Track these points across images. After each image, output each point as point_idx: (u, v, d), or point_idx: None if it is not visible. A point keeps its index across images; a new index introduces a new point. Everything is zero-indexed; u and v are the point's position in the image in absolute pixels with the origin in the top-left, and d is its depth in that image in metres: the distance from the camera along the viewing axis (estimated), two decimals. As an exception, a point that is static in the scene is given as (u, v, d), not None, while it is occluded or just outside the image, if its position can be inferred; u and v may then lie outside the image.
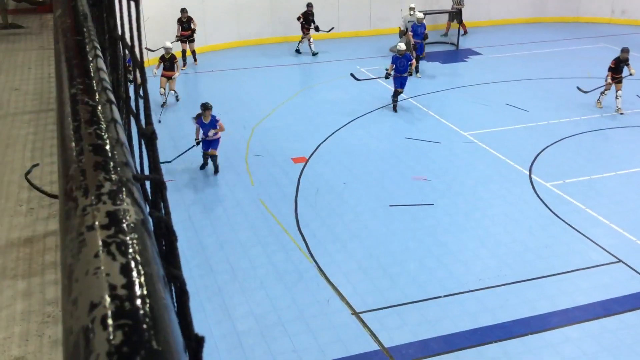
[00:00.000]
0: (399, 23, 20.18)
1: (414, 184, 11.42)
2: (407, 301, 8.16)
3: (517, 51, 20.81)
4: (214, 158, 11.57)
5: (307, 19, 19.58)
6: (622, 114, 14.69)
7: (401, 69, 14.90)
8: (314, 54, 19.86)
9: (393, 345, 7.36)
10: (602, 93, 15.01)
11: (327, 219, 10.20)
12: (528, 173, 11.84)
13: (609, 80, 14.82)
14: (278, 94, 16.35)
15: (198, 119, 11.53)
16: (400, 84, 14.96)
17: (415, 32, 18.04)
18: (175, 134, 13.48)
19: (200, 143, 11.63)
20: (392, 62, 15.06)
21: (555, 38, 22.45)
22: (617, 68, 14.70)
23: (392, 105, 15.07)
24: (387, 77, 15.22)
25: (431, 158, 12.58)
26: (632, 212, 10.48)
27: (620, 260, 9.09)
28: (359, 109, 15.16)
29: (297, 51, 19.99)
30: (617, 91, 14.70)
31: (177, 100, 15.36)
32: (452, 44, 21.13)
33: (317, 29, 19.52)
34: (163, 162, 10.94)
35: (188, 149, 11.89)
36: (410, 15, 19.20)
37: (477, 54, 20.43)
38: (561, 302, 8.20)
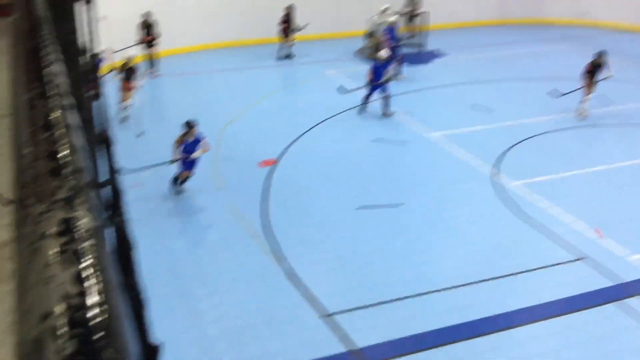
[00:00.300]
0: (367, 25, 20.22)
1: (383, 184, 11.48)
2: (377, 302, 8.20)
3: (483, 52, 21.10)
4: (185, 179, 10.75)
5: (288, 22, 19.57)
6: (585, 116, 14.80)
7: (380, 76, 14.78)
8: (283, 58, 19.83)
9: (363, 346, 7.38)
10: (583, 101, 14.73)
11: (296, 222, 10.20)
12: (494, 172, 12.00)
13: (586, 84, 14.68)
14: (246, 97, 16.29)
15: (183, 142, 10.54)
16: (381, 89, 14.80)
17: (391, 35, 18.03)
18: (145, 144, 13.32)
19: (178, 162, 10.68)
20: (372, 69, 14.83)
21: (519, 39, 22.83)
22: (594, 72, 14.71)
23: (360, 107, 15.07)
24: (370, 85, 14.85)
25: (399, 159, 12.68)
26: (595, 209, 10.69)
27: (584, 258, 9.27)
28: (327, 111, 15.18)
29: (288, 56, 19.93)
30: (588, 94, 14.79)
31: (126, 113, 14.22)
32: (418, 45, 21.31)
33: (296, 29, 19.55)
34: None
35: (158, 164, 11.06)
36: (382, 17, 19.20)
37: (444, 55, 20.65)
38: (527, 299, 8.33)
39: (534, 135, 13.82)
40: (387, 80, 14.89)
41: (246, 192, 11.14)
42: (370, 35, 20.04)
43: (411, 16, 22.11)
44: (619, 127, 14.58)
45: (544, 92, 15.76)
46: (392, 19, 18.19)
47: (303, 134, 13.80)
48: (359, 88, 15.40)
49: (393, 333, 7.61)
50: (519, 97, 16.50)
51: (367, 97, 14.94)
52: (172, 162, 10.74)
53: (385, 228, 10.06)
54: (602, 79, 14.72)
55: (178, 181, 10.82)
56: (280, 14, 19.79)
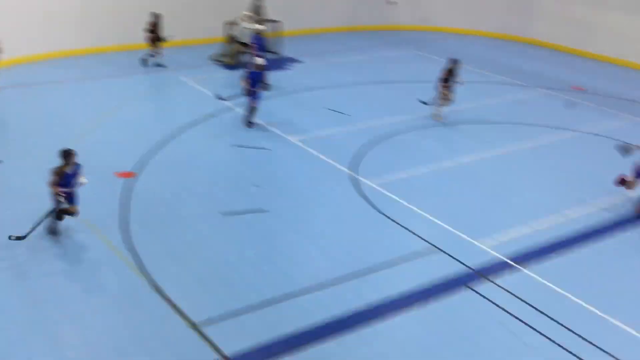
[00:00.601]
0: (225, 31, 20.09)
1: (246, 191, 11.52)
2: (246, 307, 8.22)
3: (335, 58, 21.83)
4: (72, 214, 9.53)
5: (155, 31, 18.85)
6: (441, 119, 15.73)
7: (256, 84, 14.61)
8: (147, 64, 19.20)
9: (235, 352, 7.37)
10: (439, 106, 15.61)
11: (159, 233, 9.94)
12: (352, 173, 12.48)
13: (442, 90, 15.53)
14: (100, 107, 15.59)
15: (62, 175, 9.24)
16: (256, 98, 14.69)
17: (257, 44, 17.91)
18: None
19: (64, 199, 9.33)
20: (249, 77, 14.56)
21: (370, 45, 23.90)
22: (447, 78, 15.61)
23: (244, 119, 14.80)
24: (246, 95, 14.63)
25: (261, 164, 12.79)
26: (444, 203, 11.49)
27: (438, 248, 9.91)
28: (187, 119, 14.95)
29: (160, 65, 19.18)
30: (445, 100, 15.68)
31: None
32: (274, 52, 21.58)
33: (162, 39, 18.92)
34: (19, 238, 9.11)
35: (46, 215, 9.49)
36: (245, 24, 19.07)
37: (299, 61, 21.08)
38: (389, 291, 8.75)
39: (389, 136, 14.54)
40: (262, 88, 14.90)
41: (104, 206, 10.66)
42: (230, 41, 19.97)
43: (261, 22, 22.29)
44: (463, 125, 15.73)
45: (398, 95, 16.59)
46: (259, 27, 18.11)
47: (163, 143, 13.47)
48: (235, 95, 15.29)
49: (264, 337, 7.67)
50: (374, 99, 17.28)
51: (252, 109, 14.67)
52: (64, 199, 9.32)
53: (251, 234, 10.11)
54: (456, 84, 15.77)
55: (61, 217, 9.61)
56: (135, 18, 19.11)
